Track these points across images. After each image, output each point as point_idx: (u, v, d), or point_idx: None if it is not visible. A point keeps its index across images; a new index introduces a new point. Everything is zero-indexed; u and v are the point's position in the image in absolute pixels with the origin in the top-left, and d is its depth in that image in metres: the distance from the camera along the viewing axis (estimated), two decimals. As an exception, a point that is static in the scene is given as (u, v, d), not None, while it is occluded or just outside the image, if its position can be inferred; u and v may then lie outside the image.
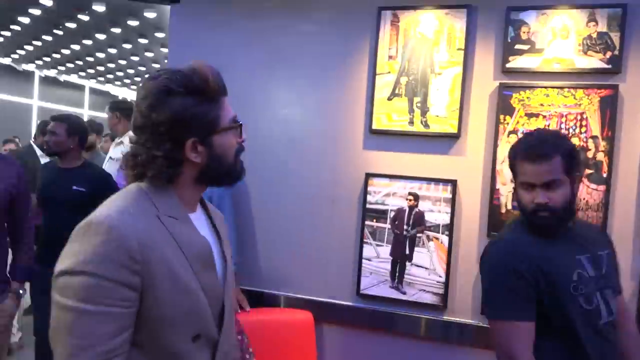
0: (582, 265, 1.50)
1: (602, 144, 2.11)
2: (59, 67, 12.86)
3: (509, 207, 2.21)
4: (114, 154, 3.54)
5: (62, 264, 0.97)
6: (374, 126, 2.40)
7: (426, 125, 2.32)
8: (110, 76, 13.60)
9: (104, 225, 0.96)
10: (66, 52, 10.58)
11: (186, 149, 1.07)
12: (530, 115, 2.19)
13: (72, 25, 7.74)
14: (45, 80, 13.76)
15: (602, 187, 2.11)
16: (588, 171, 2.12)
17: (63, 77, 14.17)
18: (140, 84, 1.10)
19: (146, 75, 1.05)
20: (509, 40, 2.22)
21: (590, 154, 2.13)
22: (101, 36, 8.54)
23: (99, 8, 6.41)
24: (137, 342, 1.01)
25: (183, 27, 2.77)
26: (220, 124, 1.10)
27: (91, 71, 13.03)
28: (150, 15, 6.74)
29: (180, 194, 1.11)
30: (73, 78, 14.43)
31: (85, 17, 6.99)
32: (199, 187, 1.15)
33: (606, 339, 1.48)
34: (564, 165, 1.47)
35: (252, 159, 2.03)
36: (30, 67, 12.99)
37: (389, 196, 2.37)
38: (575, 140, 2.12)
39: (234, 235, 2.46)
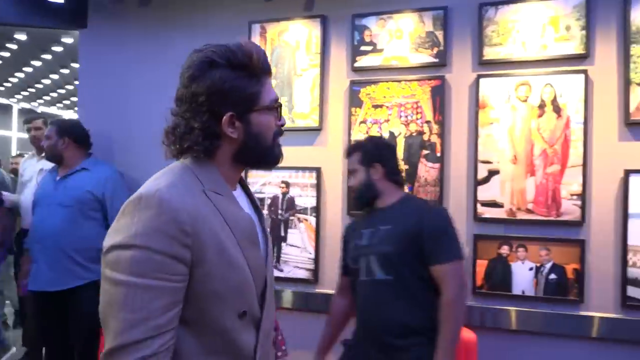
0: (361, 236, 2.00)
1: (435, 127, 2.43)
2: (38, 100, 13.25)
3: (364, 188, 2.51)
4: (44, 165, 3.30)
5: (112, 238, 0.96)
6: (251, 125, 2.71)
7: (293, 121, 2.64)
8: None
9: (155, 198, 0.95)
10: (46, 82, 10.95)
11: (223, 122, 1.05)
12: (375, 107, 2.51)
13: (47, 56, 8.08)
14: (23, 112, 14.12)
15: (437, 165, 2.42)
16: (425, 152, 2.44)
17: (41, 109, 14.53)
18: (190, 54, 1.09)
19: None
20: (355, 43, 2.55)
21: (425, 137, 2.44)
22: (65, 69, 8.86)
23: (22, 37, 6.72)
24: (185, 318, 0.99)
25: (91, 48, 3.11)
26: (259, 102, 1.08)
27: (68, 102, 13.40)
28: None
29: (222, 171, 1.09)
30: (52, 110, 14.81)
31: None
32: (238, 167, 1.13)
33: (362, 292, 1.98)
34: (359, 159, 2.02)
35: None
36: (9, 100, 13.35)
37: (265, 185, 2.68)
38: (412, 126, 2.45)
39: None
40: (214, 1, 2.83)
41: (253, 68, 1.05)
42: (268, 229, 1.26)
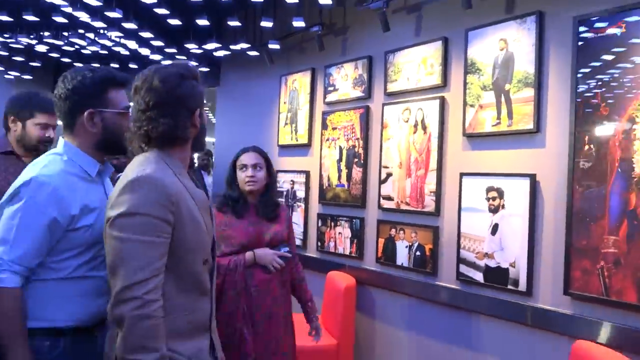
0: None
1: (361, 142, 3.41)
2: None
3: (328, 184, 3.67)
4: None
5: (117, 209, 1.32)
6: (280, 142, 4.16)
7: (297, 140, 3.97)
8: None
9: (148, 178, 1.33)
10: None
11: (195, 116, 1.45)
12: (333, 129, 3.63)
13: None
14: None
15: (361, 169, 3.40)
16: (355, 160, 3.45)
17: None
18: (148, 72, 1.43)
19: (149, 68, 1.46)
20: (325, 85, 3.72)
21: (356, 149, 3.44)
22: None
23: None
24: (167, 266, 1.36)
25: (224, 100, 5.05)
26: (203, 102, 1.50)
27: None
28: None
29: (181, 157, 1.47)
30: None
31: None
32: (190, 153, 1.53)
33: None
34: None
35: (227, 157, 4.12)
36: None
37: (285, 182, 4.08)
38: (350, 142, 3.49)
39: None
40: (260, 67, 4.37)
41: (198, 79, 1.50)
42: None
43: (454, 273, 2.79)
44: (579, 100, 2.28)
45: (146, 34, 3.52)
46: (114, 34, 3.83)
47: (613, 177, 2.17)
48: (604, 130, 2.20)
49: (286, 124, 4.10)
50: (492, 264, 2.60)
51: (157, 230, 1.32)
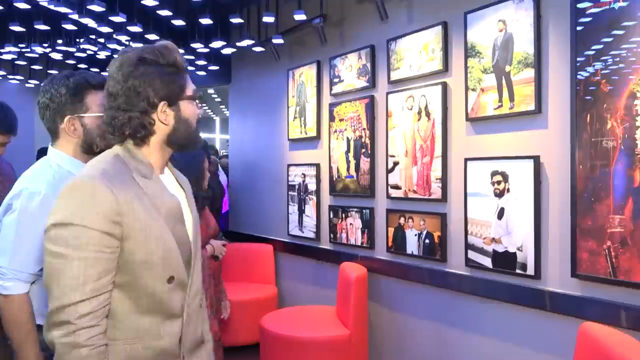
0: None
1: (368, 133, 3.41)
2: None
3: (337, 176, 3.68)
4: None
5: (53, 217, 1.15)
6: (290, 136, 4.19)
7: (306, 133, 3.99)
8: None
9: (88, 184, 1.15)
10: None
11: (158, 110, 1.24)
12: (341, 120, 3.64)
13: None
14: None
15: (369, 159, 3.40)
16: (363, 150, 3.45)
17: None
18: (118, 56, 1.26)
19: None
20: (331, 77, 3.72)
21: (363, 140, 3.45)
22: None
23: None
24: (120, 283, 1.20)
25: (236, 97, 5.11)
26: (185, 92, 1.28)
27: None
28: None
29: (150, 157, 1.28)
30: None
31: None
32: (166, 151, 1.32)
33: None
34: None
35: (248, 159, 4.19)
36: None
37: (297, 176, 4.11)
38: (357, 132, 3.49)
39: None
40: (268, 61, 4.40)
41: (177, 64, 1.27)
42: (194, 205, 1.46)
43: (463, 259, 2.77)
44: (579, 78, 2.23)
45: (152, 36, 3.59)
46: (123, 38, 3.91)
47: (616, 154, 2.12)
48: (605, 107, 2.15)
49: (295, 117, 4.12)
50: (499, 248, 2.58)
51: (95, 243, 1.14)
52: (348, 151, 3.58)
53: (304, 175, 4.02)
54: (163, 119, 1.27)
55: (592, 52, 2.19)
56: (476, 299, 2.73)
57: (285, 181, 4.24)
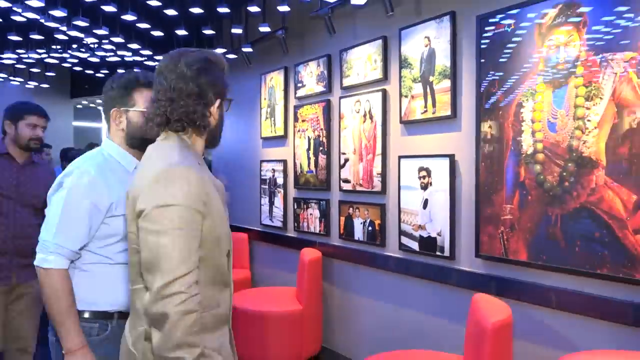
0: None
1: (324, 132, 3.83)
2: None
3: (300, 171, 4.11)
4: None
5: (154, 200, 1.26)
6: (262, 135, 4.62)
7: (275, 132, 4.42)
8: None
9: (179, 170, 1.28)
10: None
11: (215, 107, 1.41)
12: (303, 121, 4.06)
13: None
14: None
15: (325, 156, 3.83)
16: (321, 148, 3.87)
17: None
18: (175, 54, 1.40)
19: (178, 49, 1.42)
20: (295, 82, 4.14)
21: (321, 139, 3.87)
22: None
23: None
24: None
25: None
26: (226, 95, 1.46)
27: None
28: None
29: (197, 147, 1.44)
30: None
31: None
32: (201, 142, 1.46)
33: None
34: None
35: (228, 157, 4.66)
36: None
37: (268, 171, 4.54)
38: (316, 132, 3.92)
39: None
40: (243, 67, 4.82)
41: (223, 68, 1.45)
42: None
43: (397, 244, 3.20)
44: (482, 88, 2.64)
45: (134, 45, 4.02)
46: (109, 47, 4.36)
47: (508, 154, 2.54)
48: (500, 114, 2.56)
49: (266, 117, 4.55)
50: (424, 234, 3.00)
51: (193, 221, 1.28)
52: (309, 149, 4.01)
53: (274, 170, 4.45)
54: (217, 114, 1.45)
55: (491, 66, 2.60)
56: (407, 277, 3.16)
57: (259, 175, 4.67)
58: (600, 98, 2.17)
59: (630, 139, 2.07)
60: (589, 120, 2.21)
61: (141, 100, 1.75)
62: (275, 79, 4.43)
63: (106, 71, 5.87)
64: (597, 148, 2.18)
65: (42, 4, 2.90)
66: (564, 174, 2.30)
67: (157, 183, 1.27)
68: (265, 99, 4.58)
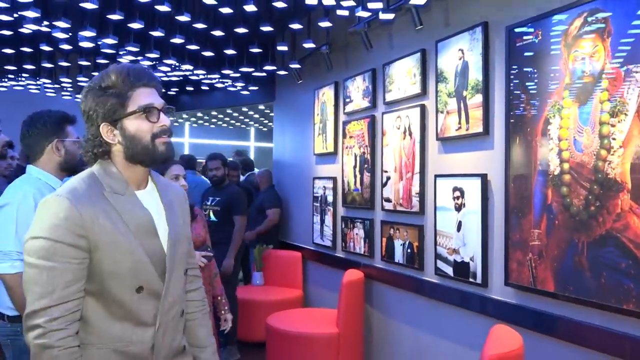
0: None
1: (369, 150, 3.95)
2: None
3: (347, 189, 4.25)
4: None
5: (30, 231, 1.36)
6: (315, 151, 4.83)
7: (326, 148, 4.61)
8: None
9: (56, 201, 1.36)
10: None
11: (101, 131, 1.43)
12: (350, 137, 4.21)
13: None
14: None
15: (369, 174, 3.94)
16: (365, 165, 3.99)
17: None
18: None
19: None
20: (344, 98, 4.31)
21: (366, 156, 3.99)
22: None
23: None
24: (91, 291, 1.40)
25: (280, 113, 5.87)
26: (125, 111, 1.42)
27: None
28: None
29: (124, 172, 1.47)
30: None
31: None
32: (136, 166, 1.48)
33: None
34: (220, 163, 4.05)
35: (285, 173, 4.97)
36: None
37: (320, 189, 4.73)
38: (362, 149, 4.04)
39: None
40: (303, 82, 5.07)
41: (115, 85, 1.42)
42: (178, 219, 1.59)
43: (434, 268, 3.22)
44: (511, 104, 2.64)
45: (187, 66, 4.47)
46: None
47: (535, 175, 2.50)
48: (529, 131, 2.54)
49: (319, 133, 4.76)
50: (458, 258, 3.01)
51: (61, 254, 1.34)
52: (355, 166, 4.14)
53: (324, 187, 4.63)
54: (110, 138, 1.44)
55: (519, 81, 2.59)
56: (443, 305, 3.17)
57: (311, 193, 4.88)
58: (625, 114, 2.10)
59: (654, 160, 1.99)
60: (614, 139, 2.14)
61: (73, 131, 2.25)
62: (326, 94, 4.63)
63: (176, 89, 6.45)
64: (622, 169, 2.11)
65: (93, 34, 3.37)
66: (590, 197, 2.24)
67: (36, 214, 1.39)
68: (317, 114, 4.79)
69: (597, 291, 2.19)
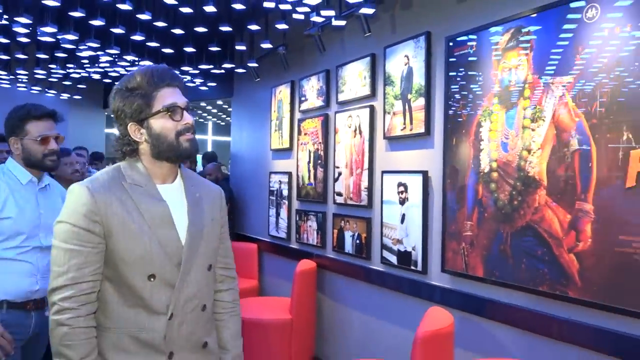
0: None
1: (322, 146, 4.18)
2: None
3: (302, 184, 4.47)
4: None
5: (58, 217, 1.49)
6: (272, 147, 5.03)
7: (282, 144, 4.81)
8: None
9: (78, 189, 1.48)
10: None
11: (129, 130, 1.53)
12: (305, 134, 4.43)
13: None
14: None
15: (323, 169, 4.17)
16: (319, 161, 4.22)
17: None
18: None
19: None
20: (299, 96, 4.52)
21: (319, 152, 4.22)
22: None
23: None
24: (108, 276, 1.50)
25: (238, 108, 6.03)
26: (151, 110, 1.51)
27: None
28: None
29: (148, 167, 1.56)
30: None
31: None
32: (162, 162, 1.57)
33: None
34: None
35: (243, 167, 5.12)
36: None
37: (275, 183, 4.94)
38: (315, 145, 4.27)
39: None
40: (261, 80, 5.25)
41: (140, 87, 1.51)
42: (204, 215, 1.63)
43: (380, 257, 3.49)
44: (449, 108, 2.91)
45: (146, 62, 4.58)
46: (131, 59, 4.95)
47: (469, 172, 2.79)
48: (464, 132, 2.82)
49: (275, 130, 4.96)
50: (401, 248, 3.28)
51: (77, 238, 1.44)
52: (309, 161, 4.37)
53: (280, 182, 4.84)
54: (138, 137, 1.54)
55: (456, 87, 2.87)
56: (387, 290, 3.44)
57: (268, 187, 5.08)
58: (543, 120, 2.40)
59: (565, 161, 2.29)
60: (534, 142, 2.44)
61: (34, 130, 2.23)
62: (283, 92, 4.83)
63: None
64: (540, 168, 2.41)
65: (54, 30, 3.46)
66: (513, 192, 2.54)
67: (65, 201, 1.52)
68: (274, 111, 4.99)
69: (518, 275, 2.49)
